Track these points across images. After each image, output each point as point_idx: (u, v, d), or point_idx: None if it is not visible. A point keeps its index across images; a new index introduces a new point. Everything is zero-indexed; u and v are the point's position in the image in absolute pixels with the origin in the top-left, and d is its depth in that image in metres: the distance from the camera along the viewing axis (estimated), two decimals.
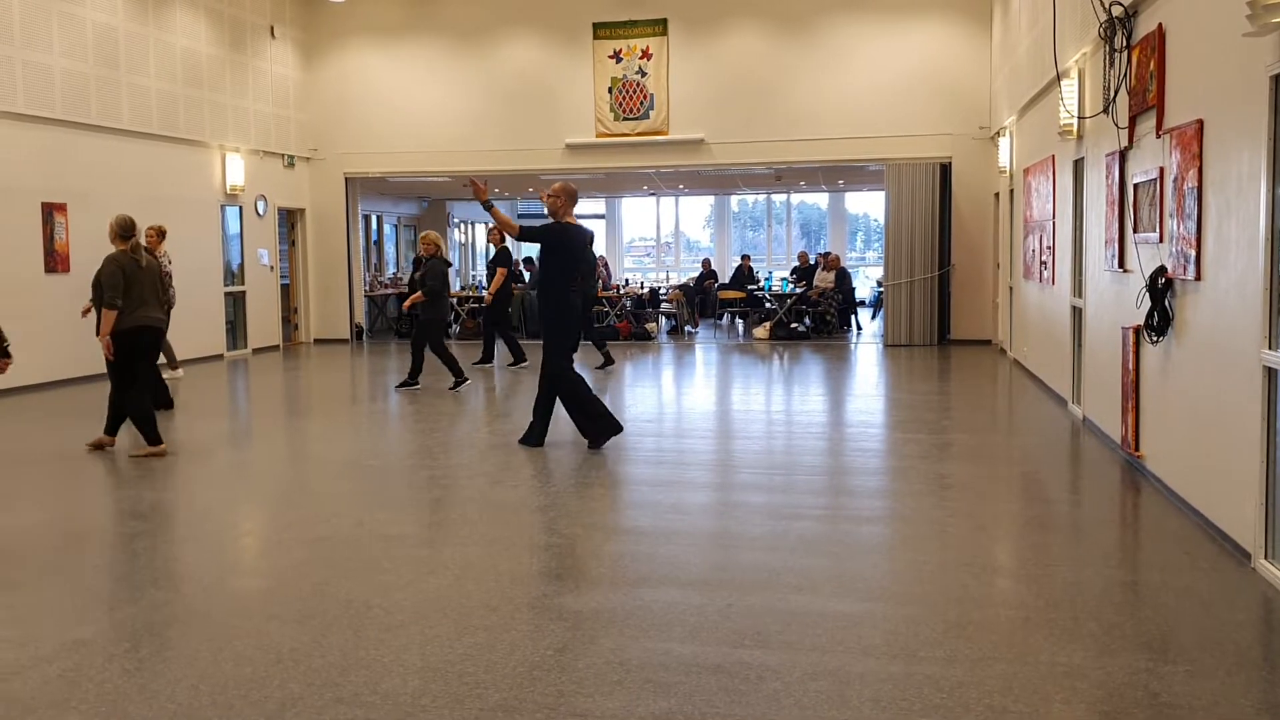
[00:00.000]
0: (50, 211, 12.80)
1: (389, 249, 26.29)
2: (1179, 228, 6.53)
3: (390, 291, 22.43)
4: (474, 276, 28.99)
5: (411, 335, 13.16)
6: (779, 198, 31.03)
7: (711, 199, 31.13)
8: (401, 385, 12.78)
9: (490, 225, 28.40)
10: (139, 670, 4.19)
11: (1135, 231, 7.64)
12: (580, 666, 4.19)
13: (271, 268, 17.84)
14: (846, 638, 4.48)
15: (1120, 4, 7.82)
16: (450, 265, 13.31)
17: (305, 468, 8.71)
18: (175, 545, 6.08)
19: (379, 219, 25.23)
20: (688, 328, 20.87)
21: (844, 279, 20.62)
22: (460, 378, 12.58)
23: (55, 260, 12.79)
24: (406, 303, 12.57)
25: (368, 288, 21.20)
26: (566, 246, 8.72)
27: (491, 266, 15.08)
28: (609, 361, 14.60)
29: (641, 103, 18.00)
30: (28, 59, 12.52)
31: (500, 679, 4.08)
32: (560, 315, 8.78)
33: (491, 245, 15.12)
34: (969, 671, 4.10)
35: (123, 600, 5.08)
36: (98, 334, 8.56)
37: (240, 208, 16.96)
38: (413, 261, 22.64)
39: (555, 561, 5.67)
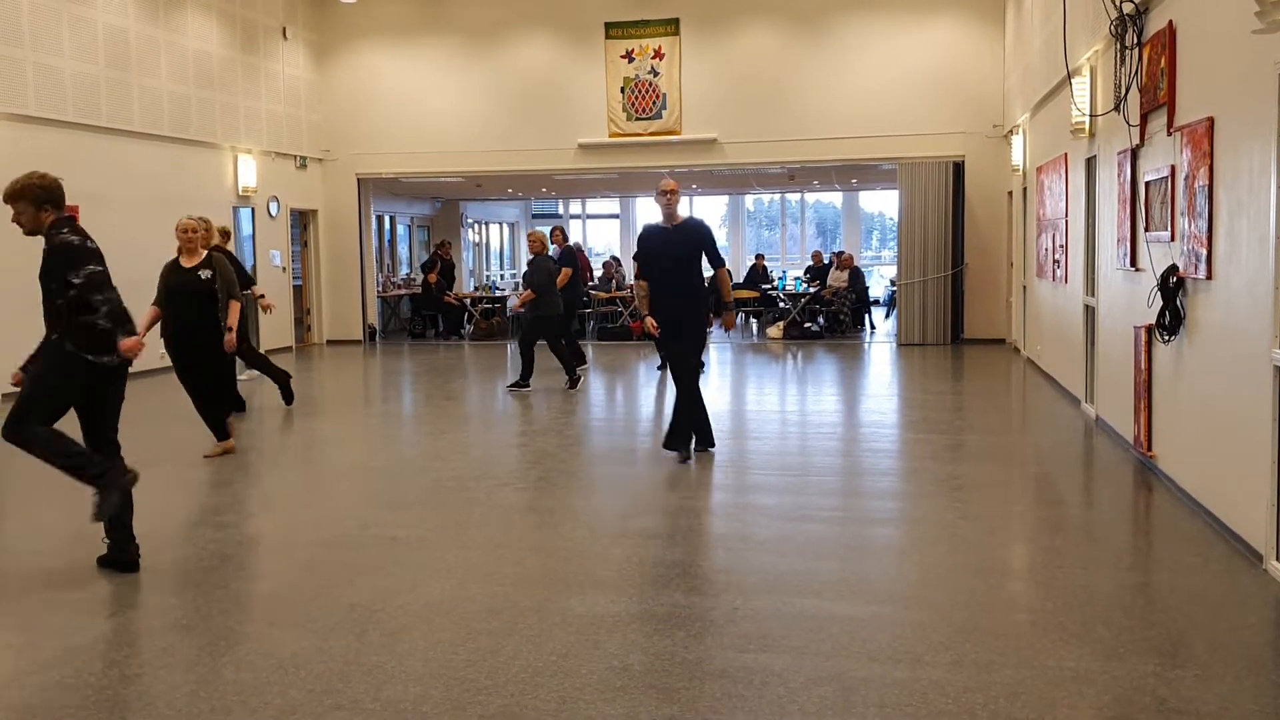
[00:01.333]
0: None
1: (402, 249, 26.31)
2: (1190, 226, 6.47)
3: (403, 292, 22.45)
4: (488, 277, 28.98)
5: (520, 335, 12.91)
6: (793, 197, 30.96)
7: (726, 198, 31.08)
8: (513, 386, 12.51)
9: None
10: (139, 676, 4.18)
11: (1147, 230, 7.57)
12: (583, 672, 4.16)
13: (284, 269, 17.87)
14: (852, 642, 4.44)
15: (1131, 1, 7.75)
16: (555, 261, 13.12)
17: (313, 470, 8.71)
18: (177, 549, 6.07)
19: (392, 220, 25.24)
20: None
21: (857, 278, 20.55)
22: (574, 375, 12.58)
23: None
24: (518, 302, 12.50)
25: (380, 288, 21.21)
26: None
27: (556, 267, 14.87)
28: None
29: (654, 102, 17.97)
30: (38, 61, 12.55)
31: (502, 684, 4.05)
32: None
33: (554, 245, 14.38)
34: (975, 676, 4.06)
35: (124, 605, 5.07)
36: (228, 330, 8.75)
37: (253, 209, 16.99)
38: (423, 264, 22.64)
39: (560, 565, 5.64)
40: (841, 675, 4.10)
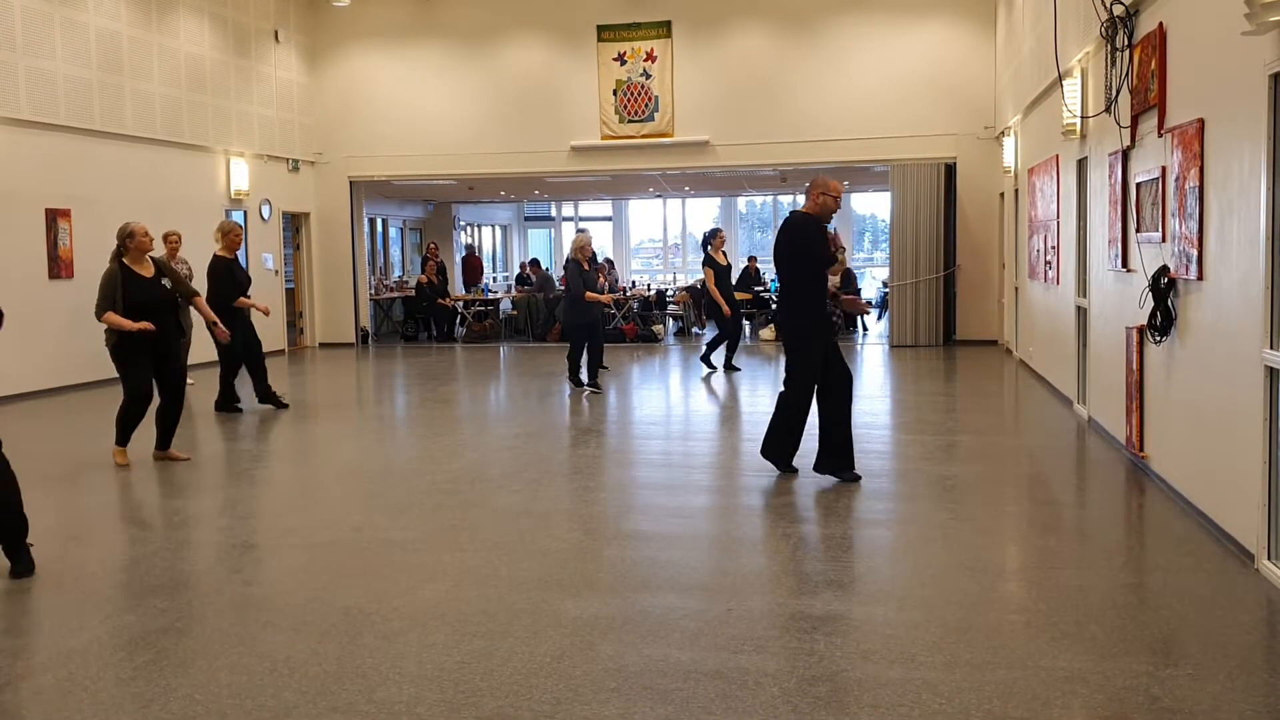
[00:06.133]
0: (54, 217, 12.82)
1: (394, 252, 26.30)
2: (1181, 227, 6.50)
3: (395, 295, 22.43)
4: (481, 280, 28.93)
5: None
6: (786, 199, 30.97)
7: (719, 200, 31.10)
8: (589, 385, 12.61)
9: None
10: (134, 679, 4.18)
11: (1138, 231, 7.60)
12: (578, 674, 4.16)
13: (276, 272, 17.84)
14: (845, 642, 4.45)
15: (1121, 3, 7.78)
16: (587, 268, 12.83)
17: (306, 473, 8.71)
18: (173, 552, 6.07)
19: (384, 222, 25.24)
20: (694, 329, 20.84)
21: (848, 280, 20.59)
22: (576, 382, 12.54)
23: (59, 266, 12.82)
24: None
25: (373, 291, 21.19)
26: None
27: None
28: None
29: (646, 105, 17.99)
30: (30, 65, 12.54)
31: (496, 686, 4.06)
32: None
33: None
34: (968, 676, 4.07)
35: (119, 608, 5.06)
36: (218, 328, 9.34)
37: (245, 212, 16.97)
38: (420, 263, 22.65)
39: (555, 567, 5.64)
40: (835, 675, 4.11)
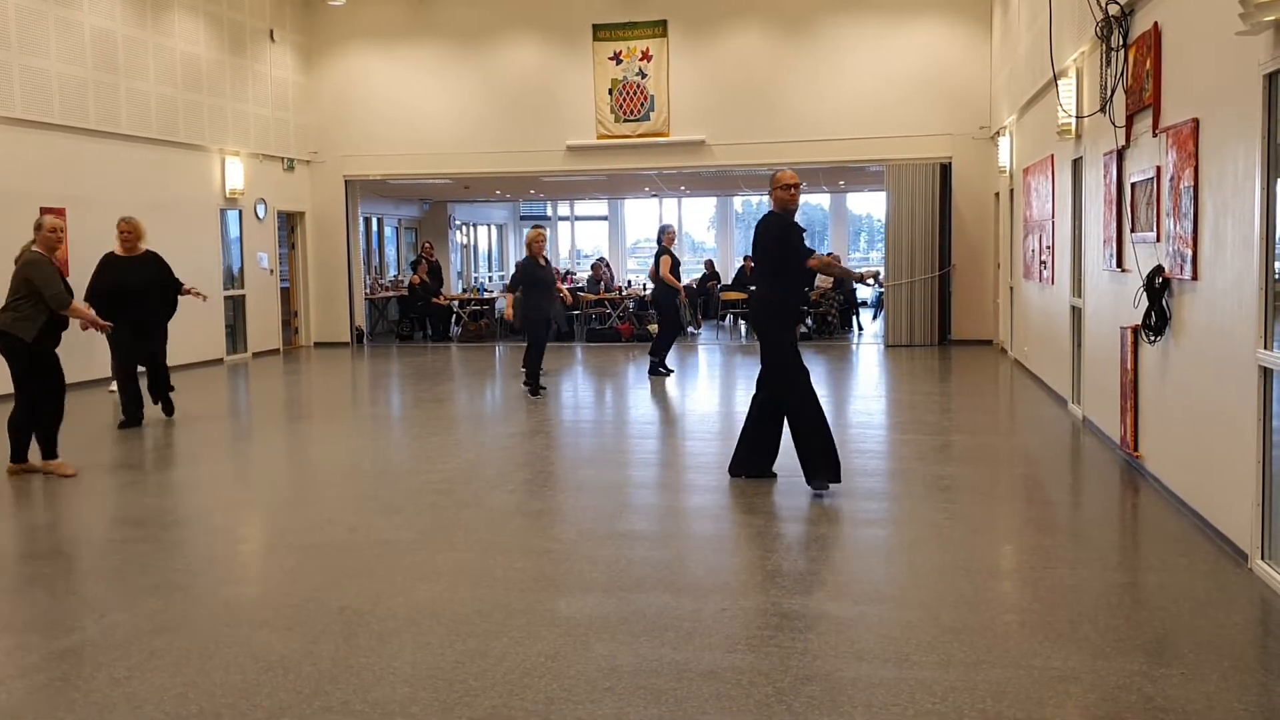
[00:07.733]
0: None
1: (389, 251, 26.28)
2: (1176, 227, 6.50)
3: (391, 294, 22.41)
4: (476, 279, 28.97)
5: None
6: None
7: (714, 200, 31.10)
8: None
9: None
10: (128, 679, 4.17)
11: (1133, 231, 7.61)
12: (572, 673, 4.16)
13: (271, 271, 17.83)
14: (839, 642, 4.45)
15: (1116, 3, 7.78)
16: (543, 265, 12.60)
17: (301, 473, 8.70)
18: (167, 552, 6.06)
19: (379, 221, 25.22)
20: (690, 329, 20.82)
21: (841, 281, 20.58)
22: (532, 385, 12.29)
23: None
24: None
25: (368, 291, 21.17)
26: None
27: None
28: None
29: (642, 104, 17.98)
30: (25, 64, 12.51)
31: (491, 686, 4.06)
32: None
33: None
34: (962, 676, 4.08)
35: (113, 608, 5.05)
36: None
37: (240, 211, 16.95)
38: (411, 264, 22.64)
39: (550, 567, 5.64)
40: (829, 675, 4.11)
